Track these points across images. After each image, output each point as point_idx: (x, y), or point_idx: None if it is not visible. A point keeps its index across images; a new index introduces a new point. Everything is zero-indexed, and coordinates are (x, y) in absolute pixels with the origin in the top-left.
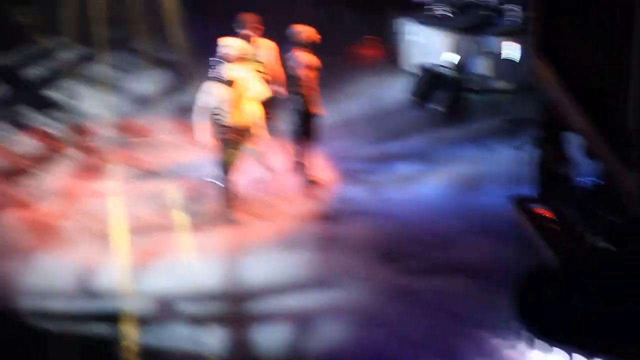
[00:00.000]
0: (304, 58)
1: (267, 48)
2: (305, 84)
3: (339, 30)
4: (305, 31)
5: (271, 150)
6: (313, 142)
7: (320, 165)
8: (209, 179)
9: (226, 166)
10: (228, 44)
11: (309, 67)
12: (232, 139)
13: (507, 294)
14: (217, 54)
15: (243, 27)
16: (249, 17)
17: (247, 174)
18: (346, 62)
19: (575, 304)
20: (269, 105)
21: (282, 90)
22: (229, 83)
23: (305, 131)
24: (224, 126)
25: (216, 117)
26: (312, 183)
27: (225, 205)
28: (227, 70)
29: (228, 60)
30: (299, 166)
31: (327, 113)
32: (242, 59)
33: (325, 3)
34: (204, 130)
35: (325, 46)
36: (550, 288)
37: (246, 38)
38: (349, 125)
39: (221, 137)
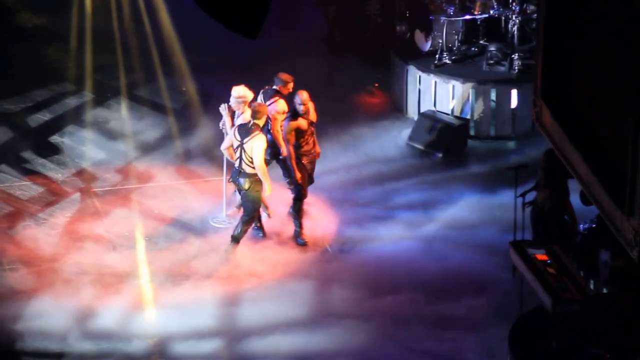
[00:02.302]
0: (278, 104)
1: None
2: (274, 127)
3: (346, 79)
4: (284, 78)
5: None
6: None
7: (320, 208)
8: (215, 223)
9: (253, 212)
10: (242, 94)
11: (280, 112)
12: (254, 183)
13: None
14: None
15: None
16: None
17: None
18: (352, 109)
19: (561, 349)
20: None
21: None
22: (249, 131)
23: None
24: (246, 173)
25: (239, 164)
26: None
27: (232, 247)
28: (245, 118)
29: (242, 108)
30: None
31: (330, 159)
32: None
33: (334, 52)
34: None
35: (331, 94)
36: (541, 331)
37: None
38: (351, 171)
39: (250, 184)
